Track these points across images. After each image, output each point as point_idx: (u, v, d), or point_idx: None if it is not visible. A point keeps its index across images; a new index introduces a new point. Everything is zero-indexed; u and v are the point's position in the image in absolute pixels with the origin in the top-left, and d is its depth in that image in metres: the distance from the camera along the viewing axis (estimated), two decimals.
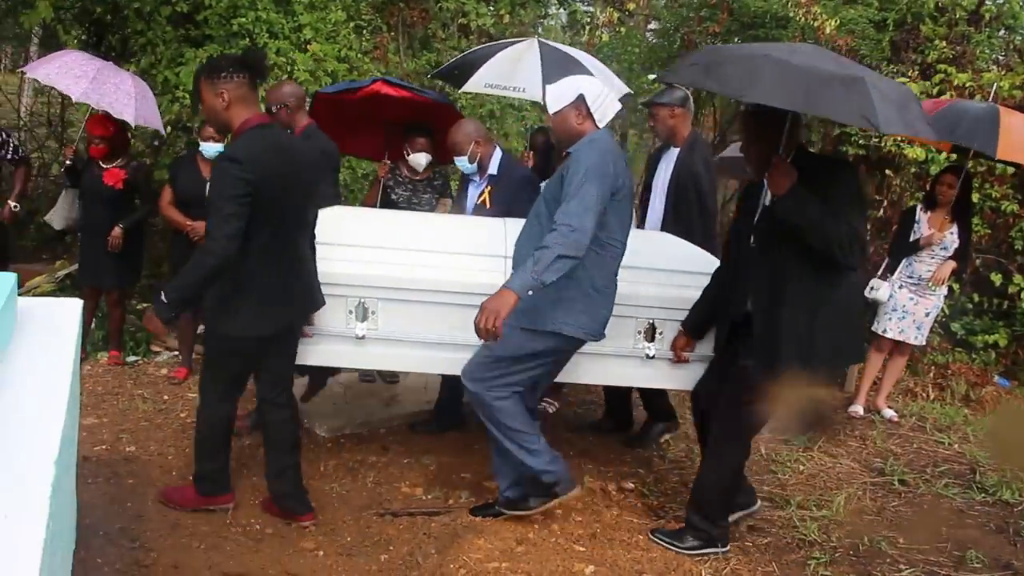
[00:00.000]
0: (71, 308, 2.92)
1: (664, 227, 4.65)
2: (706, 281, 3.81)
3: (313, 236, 3.58)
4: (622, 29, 10.02)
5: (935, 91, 7.19)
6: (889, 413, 5.82)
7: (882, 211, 7.39)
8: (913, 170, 7.32)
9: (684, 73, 3.50)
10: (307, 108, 4.72)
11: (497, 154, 4.57)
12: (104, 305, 5.63)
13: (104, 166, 5.25)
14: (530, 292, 3.13)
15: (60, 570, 2.36)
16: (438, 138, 5.03)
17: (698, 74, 3.24)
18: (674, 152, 4.70)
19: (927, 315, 5.63)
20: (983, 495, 4.64)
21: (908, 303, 5.58)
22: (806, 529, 3.99)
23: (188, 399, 4.97)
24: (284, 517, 3.69)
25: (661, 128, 4.78)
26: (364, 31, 7.53)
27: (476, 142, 4.47)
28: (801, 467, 4.77)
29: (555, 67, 5.04)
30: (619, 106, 3.48)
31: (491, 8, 8.23)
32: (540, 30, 8.56)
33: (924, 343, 5.90)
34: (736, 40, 9.10)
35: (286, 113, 4.48)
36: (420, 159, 5.03)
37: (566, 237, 3.11)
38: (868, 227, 4.52)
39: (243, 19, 6.02)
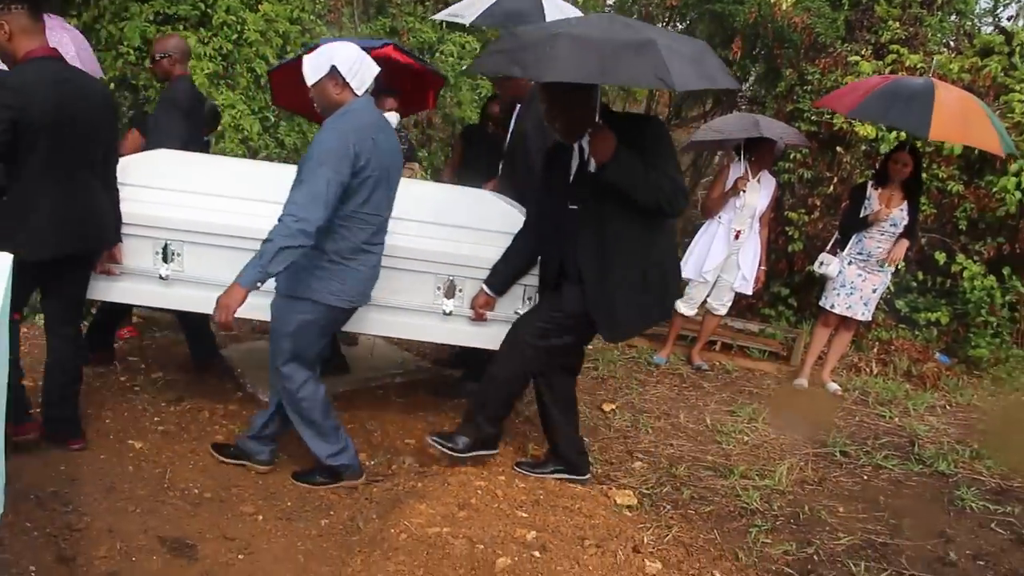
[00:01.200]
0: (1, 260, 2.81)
1: (500, 183, 4.74)
2: (509, 240, 3.89)
3: (109, 174, 3.61)
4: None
5: (887, 70, 7.26)
6: (833, 387, 5.90)
7: (832, 187, 7.46)
8: (863, 147, 7.40)
9: (490, 61, 3.55)
10: (187, 63, 4.70)
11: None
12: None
13: None
14: (259, 285, 3.21)
15: None
16: (409, 93, 5.11)
17: (503, 61, 3.27)
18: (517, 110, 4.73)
19: (874, 291, 5.70)
20: (920, 467, 4.72)
21: (856, 279, 5.64)
22: (748, 498, 4.03)
23: (130, 363, 4.86)
24: (55, 441, 3.69)
25: (510, 93, 4.78)
26: None
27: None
28: (745, 438, 4.81)
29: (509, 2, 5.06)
30: (377, 69, 3.42)
31: None
32: None
33: (870, 319, 5.98)
34: (692, 14, 9.12)
35: (168, 63, 4.50)
36: (391, 119, 4.96)
37: (289, 228, 3.14)
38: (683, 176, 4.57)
39: None
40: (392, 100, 5.00)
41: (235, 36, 6.13)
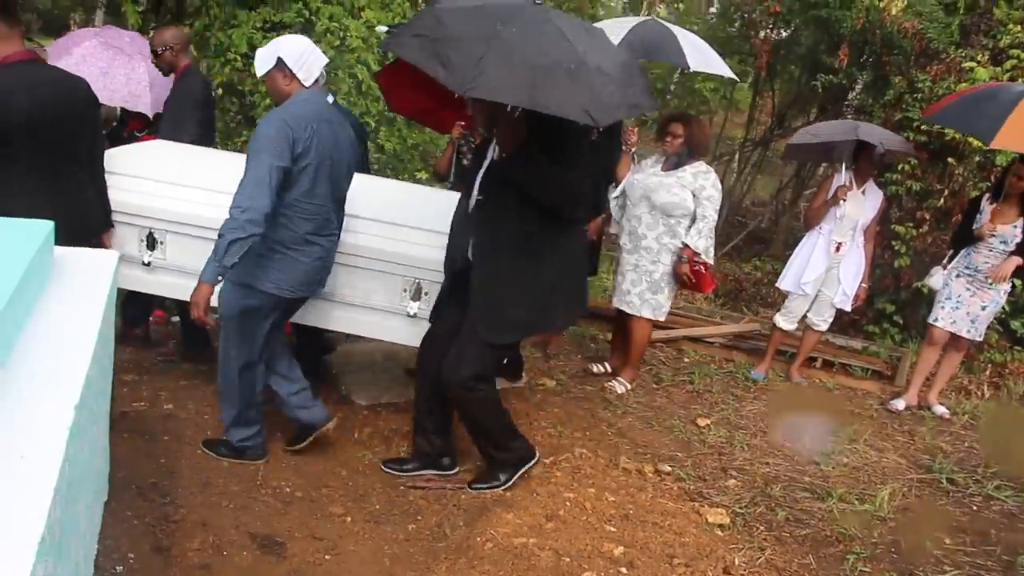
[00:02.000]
0: (106, 259, 2.91)
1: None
2: None
3: (95, 167, 3.74)
4: (680, 5, 9.84)
5: (1006, 77, 6.92)
6: (940, 409, 5.62)
7: (942, 200, 7.16)
8: (977, 159, 7.07)
9: (410, 46, 3.13)
10: (188, 50, 4.79)
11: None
12: None
13: (138, 135, 5.28)
14: (220, 278, 3.32)
15: (85, 517, 2.35)
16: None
17: (424, 54, 3.01)
18: None
19: (983, 309, 5.41)
20: None
21: (964, 294, 5.37)
22: (846, 523, 3.86)
23: None
24: None
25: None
26: (420, 2, 7.48)
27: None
28: (845, 459, 4.62)
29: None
30: (325, 60, 3.46)
31: None
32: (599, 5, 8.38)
33: (980, 339, 5.68)
34: (796, 21, 8.87)
35: (171, 55, 4.58)
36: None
37: (236, 221, 3.20)
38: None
39: None
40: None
41: (337, 43, 6.25)
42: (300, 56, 3.36)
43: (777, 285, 5.90)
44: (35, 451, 1.73)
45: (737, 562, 3.36)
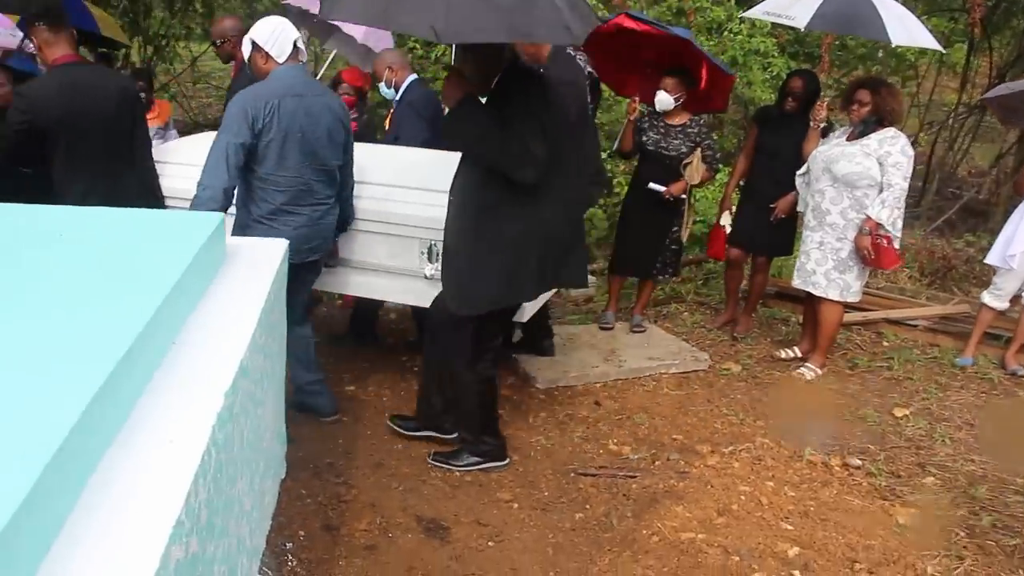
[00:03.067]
0: (276, 247, 3.02)
1: None
2: None
3: (135, 157, 3.90)
4: None
5: None
6: None
7: None
8: None
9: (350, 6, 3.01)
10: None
11: (408, 79, 4.76)
12: None
13: None
14: None
15: (251, 496, 2.44)
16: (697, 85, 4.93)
17: (375, 10, 2.86)
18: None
19: None
20: None
21: None
22: None
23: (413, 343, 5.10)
24: None
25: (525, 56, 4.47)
26: None
27: (390, 68, 4.71)
28: None
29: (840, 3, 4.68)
30: (295, 35, 3.49)
31: None
32: None
33: None
34: None
35: (230, 46, 4.62)
36: (663, 98, 4.90)
37: (198, 198, 3.34)
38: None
39: None
40: (673, 81, 4.86)
41: None
42: (270, 35, 3.48)
43: (986, 261, 5.34)
44: (182, 436, 1.79)
45: (930, 571, 3.06)
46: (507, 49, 3.24)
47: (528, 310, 4.01)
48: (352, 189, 3.86)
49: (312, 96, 3.54)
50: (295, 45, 3.53)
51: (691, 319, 5.75)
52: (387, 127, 4.98)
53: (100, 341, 1.86)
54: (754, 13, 5.36)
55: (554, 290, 4.39)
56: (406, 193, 3.97)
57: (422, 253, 3.98)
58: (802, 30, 5.12)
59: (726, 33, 7.46)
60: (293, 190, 3.54)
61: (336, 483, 3.46)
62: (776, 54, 7.54)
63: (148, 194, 4.04)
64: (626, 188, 5.78)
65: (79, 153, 3.73)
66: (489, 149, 3.16)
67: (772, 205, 5.06)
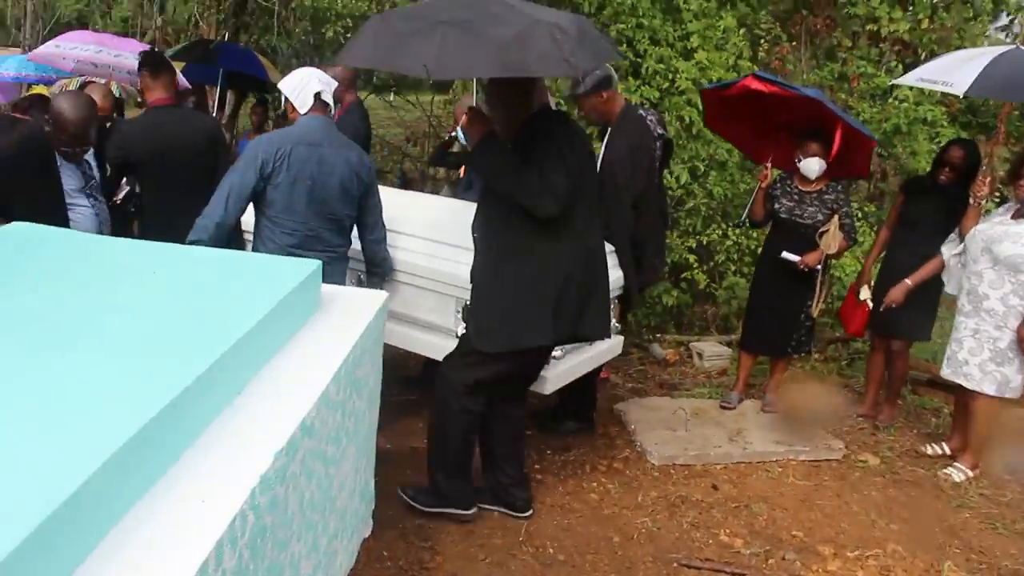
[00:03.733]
0: (374, 298, 2.94)
1: None
2: None
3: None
4: None
5: None
6: None
7: None
8: None
9: (360, 53, 3.16)
10: (355, 86, 5.01)
11: None
12: None
13: None
14: None
15: (312, 557, 2.34)
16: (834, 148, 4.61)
17: (380, 53, 3.00)
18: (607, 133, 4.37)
19: None
20: None
21: None
22: None
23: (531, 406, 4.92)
24: None
25: (592, 116, 4.47)
26: (762, 40, 7.08)
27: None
28: None
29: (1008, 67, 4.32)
30: (318, 88, 3.62)
31: (908, 13, 7.31)
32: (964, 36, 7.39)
33: None
34: None
35: (340, 91, 4.56)
36: (811, 165, 4.62)
37: (197, 225, 3.45)
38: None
39: (623, 25, 5.91)
40: (816, 146, 4.58)
41: (666, 84, 6.07)
42: (294, 88, 3.65)
43: None
44: (216, 497, 1.70)
45: None
46: (534, 96, 3.24)
47: (550, 382, 3.81)
48: (381, 237, 3.85)
49: (329, 147, 3.59)
50: (317, 97, 3.63)
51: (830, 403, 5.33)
52: (461, 173, 4.88)
53: (150, 386, 1.80)
54: (907, 80, 5.00)
55: (596, 363, 4.25)
56: (446, 250, 3.89)
57: (457, 312, 3.86)
58: (961, 96, 4.73)
59: (891, 100, 7.05)
60: (300, 235, 3.58)
61: (421, 547, 3.32)
62: (945, 123, 7.05)
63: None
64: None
65: (162, 188, 4.10)
66: (508, 180, 3.15)
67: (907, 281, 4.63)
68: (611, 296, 4.01)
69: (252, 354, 2.22)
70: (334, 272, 3.65)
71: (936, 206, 4.66)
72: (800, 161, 4.61)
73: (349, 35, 6.65)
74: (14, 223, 2.89)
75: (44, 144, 3.60)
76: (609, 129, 4.36)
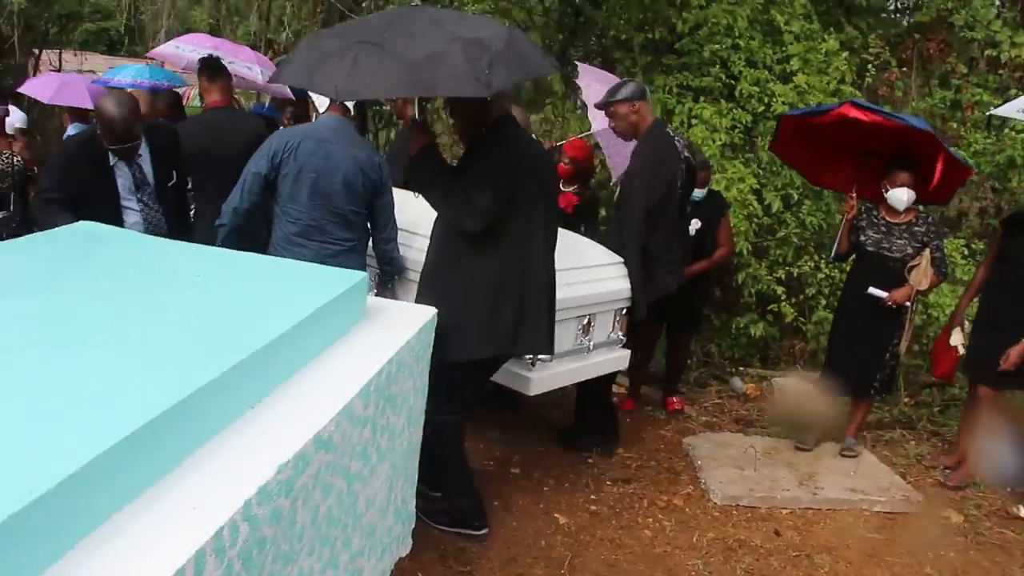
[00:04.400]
0: (420, 313, 2.89)
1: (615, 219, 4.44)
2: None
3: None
4: None
5: None
6: None
7: None
8: None
9: (288, 72, 3.33)
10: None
11: None
12: None
13: (562, 188, 5.26)
14: None
15: (325, 574, 2.29)
16: (922, 174, 4.38)
17: (302, 72, 3.09)
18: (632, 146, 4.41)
19: None
20: None
21: None
22: None
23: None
24: None
25: (622, 125, 4.38)
26: (870, 66, 6.79)
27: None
28: None
29: None
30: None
31: None
32: None
33: None
34: None
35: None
36: (900, 195, 4.39)
37: (222, 211, 3.66)
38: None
39: (716, 46, 5.76)
40: (906, 176, 4.37)
41: (761, 108, 5.87)
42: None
43: None
44: (207, 506, 1.66)
45: None
46: (491, 107, 3.25)
47: (535, 384, 3.76)
48: (390, 237, 3.85)
49: (338, 144, 3.64)
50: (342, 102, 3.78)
51: (915, 450, 5.01)
52: None
53: (159, 388, 1.79)
54: (1007, 111, 4.69)
55: (597, 372, 4.22)
56: None
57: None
58: None
59: (1007, 131, 6.65)
60: (302, 224, 3.65)
61: (459, 571, 3.24)
62: None
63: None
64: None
65: (210, 183, 4.28)
66: (436, 195, 3.27)
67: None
68: (617, 308, 4.13)
69: (279, 362, 2.19)
70: (342, 264, 3.62)
71: None
72: (888, 191, 4.37)
73: None
74: (81, 222, 2.97)
75: (97, 144, 3.75)
76: (636, 143, 4.37)
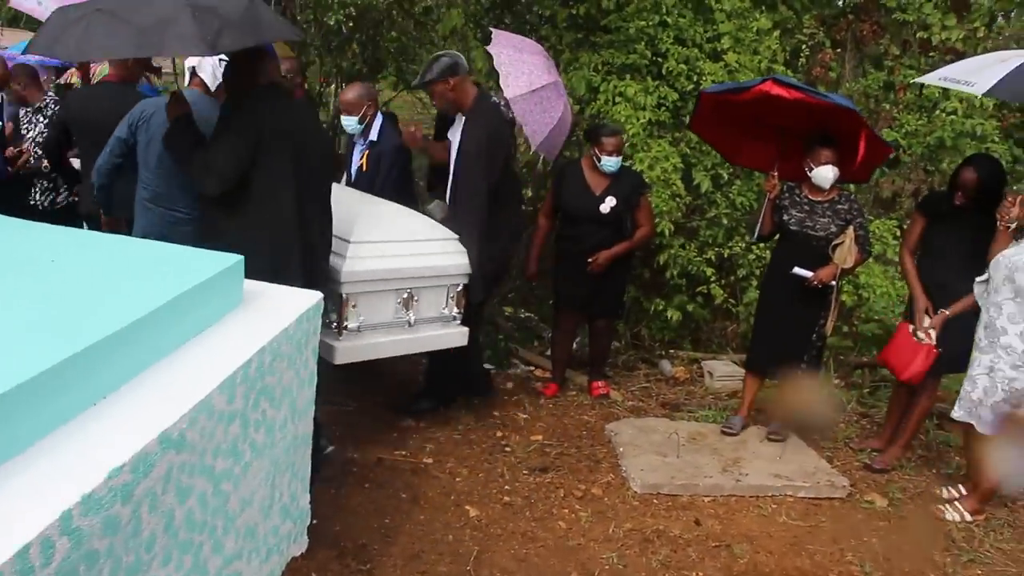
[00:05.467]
0: (303, 298, 2.69)
1: (452, 200, 4.35)
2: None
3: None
4: None
5: None
6: None
7: None
8: None
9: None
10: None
11: (378, 119, 4.59)
12: None
13: None
14: None
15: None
16: (844, 152, 4.28)
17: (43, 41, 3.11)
18: (460, 122, 4.33)
19: None
20: None
21: None
22: None
23: (519, 421, 4.67)
24: None
25: (441, 104, 4.42)
26: (804, 46, 6.69)
27: (369, 104, 4.52)
28: None
29: None
30: (192, 64, 3.85)
31: (963, 21, 6.84)
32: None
33: None
34: None
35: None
36: (826, 173, 4.28)
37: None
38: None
39: (643, 23, 5.60)
40: (829, 153, 4.26)
41: (690, 87, 5.74)
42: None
43: None
44: (11, 519, 1.46)
45: None
46: (255, 74, 3.37)
47: (340, 353, 3.71)
48: None
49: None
50: (193, 72, 3.89)
51: (844, 433, 4.94)
52: (363, 169, 4.69)
53: None
54: (930, 79, 4.61)
55: (420, 348, 4.19)
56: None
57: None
58: (979, 97, 4.34)
59: (938, 112, 6.60)
60: (150, 190, 3.71)
61: (358, 570, 3.07)
62: (997, 139, 6.57)
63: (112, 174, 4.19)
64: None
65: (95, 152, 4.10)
66: (183, 160, 3.39)
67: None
68: (452, 284, 4.04)
69: (131, 353, 1.98)
70: (187, 234, 3.62)
71: (960, 230, 4.24)
72: (812, 170, 4.26)
73: (351, 23, 6.43)
74: None
75: None
76: (463, 118, 4.30)
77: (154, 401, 1.91)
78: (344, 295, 3.65)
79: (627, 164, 5.19)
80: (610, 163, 4.70)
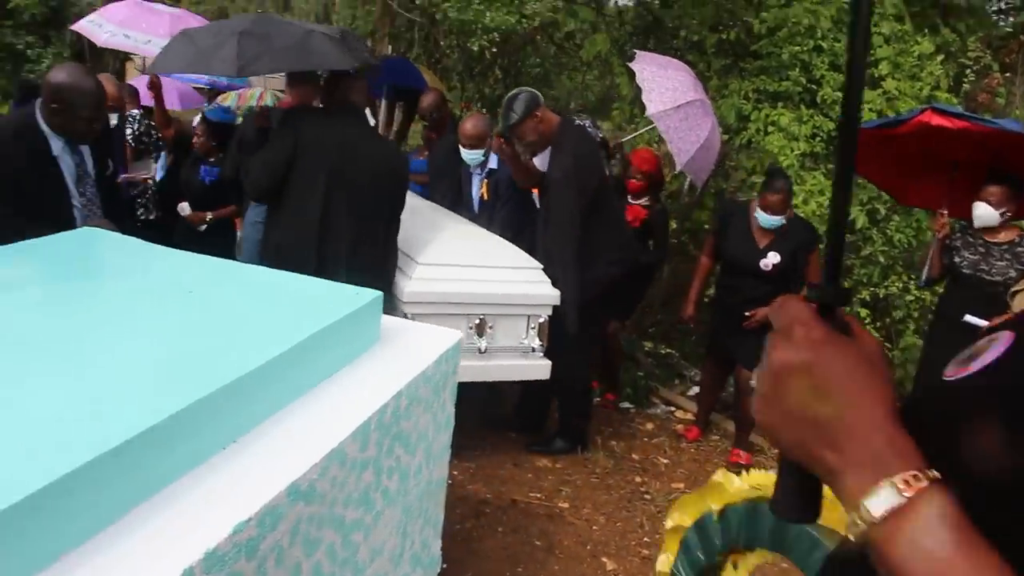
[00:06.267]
0: (443, 337, 2.57)
1: (542, 229, 4.15)
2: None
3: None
4: None
5: None
6: None
7: None
8: None
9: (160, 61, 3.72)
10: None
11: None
12: None
13: (631, 201, 4.91)
14: None
15: None
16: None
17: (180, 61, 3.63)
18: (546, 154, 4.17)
19: None
20: None
21: None
22: None
23: (659, 466, 4.43)
24: None
25: (532, 139, 4.10)
26: (968, 71, 6.26)
27: (493, 137, 4.39)
28: None
29: None
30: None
31: None
32: None
33: None
34: None
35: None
36: (983, 213, 3.92)
37: None
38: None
39: (797, 48, 5.32)
40: (997, 190, 3.92)
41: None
42: None
43: None
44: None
45: None
46: (338, 93, 3.66)
47: None
48: None
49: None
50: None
51: None
52: (484, 198, 4.55)
53: (99, 425, 1.51)
54: None
55: (499, 377, 4.06)
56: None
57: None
58: None
59: None
60: None
61: None
62: None
63: None
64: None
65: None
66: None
67: None
68: (533, 314, 3.87)
69: (258, 399, 1.89)
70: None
71: None
72: (974, 207, 3.90)
73: (495, 49, 6.39)
74: (84, 228, 2.75)
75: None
76: (550, 148, 4.11)
77: (284, 448, 1.81)
78: (407, 315, 3.54)
79: (796, 209, 4.81)
80: (769, 221, 4.23)
